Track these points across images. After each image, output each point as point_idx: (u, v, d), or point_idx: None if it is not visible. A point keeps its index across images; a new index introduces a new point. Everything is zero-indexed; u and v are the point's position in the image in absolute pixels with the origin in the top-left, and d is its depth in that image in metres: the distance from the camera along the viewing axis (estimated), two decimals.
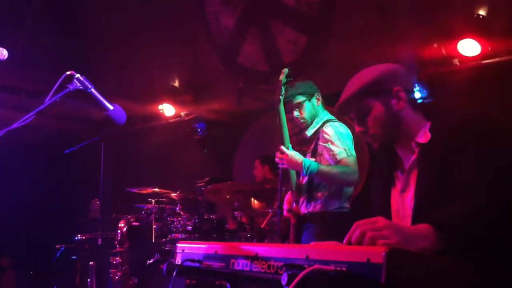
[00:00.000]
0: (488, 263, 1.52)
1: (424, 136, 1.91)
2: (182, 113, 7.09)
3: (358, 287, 1.31)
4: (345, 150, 3.39)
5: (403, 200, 1.94)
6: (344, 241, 1.54)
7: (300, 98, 3.54)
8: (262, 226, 4.89)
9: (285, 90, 3.44)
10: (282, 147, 3.37)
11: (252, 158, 5.95)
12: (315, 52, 6.09)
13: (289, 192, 3.56)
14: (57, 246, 5.93)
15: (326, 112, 3.63)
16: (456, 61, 4.99)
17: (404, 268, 1.27)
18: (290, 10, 6.14)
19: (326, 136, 3.45)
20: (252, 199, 5.42)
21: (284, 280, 1.36)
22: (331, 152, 3.41)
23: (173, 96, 7.07)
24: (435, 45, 4.99)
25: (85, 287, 3.01)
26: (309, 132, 3.59)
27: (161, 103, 7.05)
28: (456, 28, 4.79)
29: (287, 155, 3.33)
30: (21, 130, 2.13)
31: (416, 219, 1.78)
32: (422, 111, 2.01)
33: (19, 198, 7.59)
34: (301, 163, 3.30)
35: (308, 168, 3.27)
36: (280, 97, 3.41)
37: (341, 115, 3.04)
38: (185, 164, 6.94)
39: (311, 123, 3.59)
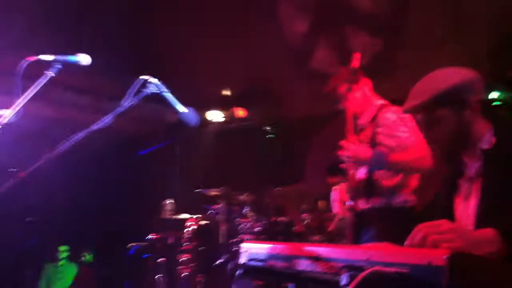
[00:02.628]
0: None
1: (488, 141, 1.86)
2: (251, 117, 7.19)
3: None
4: (413, 135, 3.07)
5: (466, 208, 1.89)
6: (406, 242, 1.54)
7: (348, 87, 3.31)
8: (329, 229, 4.88)
9: (355, 79, 3.24)
10: (345, 142, 3.12)
11: (323, 161, 5.92)
12: (387, 56, 6.02)
13: (340, 190, 3.39)
14: (130, 245, 6.15)
15: (377, 98, 3.40)
16: None
17: (467, 272, 1.25)
18: (363, 13, 6.10)
19: (388, 122, 3.18)
20: (320, 202, 5.41)
21: (344, 280, 1.38)
22: (398, 139, 3.11)
23: (245, 101, 7.20)
24: None
25: (156, 285, 3.11)
26: (366, 120, 3.35)
27: (233, 107, 7.20)
28: None
29: (351, 150, 3.08)
30: (100, 132, 2.27)
31: (478, 226, 1.74)
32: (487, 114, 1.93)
33: (96, 199, 7.96)
34: (368, 157, 3.02)
35: (377, 161, 3.01)
36: (351, 82, 3.23)
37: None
38: (255, 167, 7.03)
39: (364, 110, 3.35)
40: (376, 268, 1.38)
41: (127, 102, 2.27)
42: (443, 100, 1.86)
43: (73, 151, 2.25)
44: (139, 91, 2.32)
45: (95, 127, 2.24)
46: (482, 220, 1.76)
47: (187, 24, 6.75)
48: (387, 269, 1.37)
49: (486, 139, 1.87)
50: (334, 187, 4.17)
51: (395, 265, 1.37)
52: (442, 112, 1.87)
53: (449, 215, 1.94)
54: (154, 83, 2.33)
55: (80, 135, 2.21)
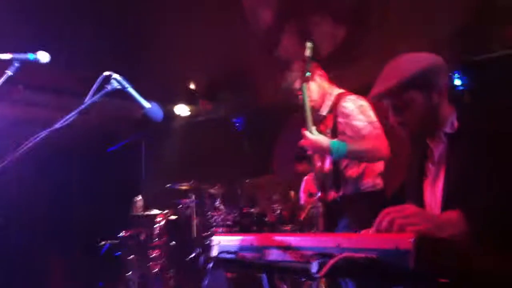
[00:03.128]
0: None
1: (451, 126, 1.90)
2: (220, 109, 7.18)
3: (387, 274, 1.33)
4: (370, 123, 3.12)
5: (434, 191, 1.93)
6: (373, 228, 1.55)
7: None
8: (301, 218, 4.91)
9: (309, 67, 3.17)
10: (305, 132, 3.10)
11: (291, 152, 5.95)
12: (351, 43, 6.06)
13: (307, 178, 3.39)
14: (102, 243, 6.10)
15: (333, 86, 3.40)
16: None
17: (433, 255, 1.28)
18: (327, 1, 6.12)
19: (347, 111, 3.19)
20: (291, 192, 5.44)
21: (314, 268, 1.39)
22: (356, 128, 3.14)
23: (212, 93, 7.17)
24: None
25: (128, 282, 3.09)
26: (324, 111, 3.35)
27: (200, 100, 7.17)
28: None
29: (311, 140, 3.07)
30: (65, 129, 2.23)
31: (445, 209, 1.77)
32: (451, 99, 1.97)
33: (64, 197, 7.84)
34: (328, 147, 3.01)
35: (337, 150, 3.00)
36: (306, 73, 3.15)
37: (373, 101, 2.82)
38: (225, 159, 7.02)
39: (323, 101, 3.35)
40: (345, 254, 1.40)
41: (90, 98, 2.23)
42: (411, 84, 1.89)
43: (38, 150, 2.21)
44: (101, 87, 2.28)
45: (58, 125, 2.19)
46: (447, 203, 1.79)
47: (153, 12, 6.67)
48: (356, 255, 1.39)
49: (450, 123, 1.91)
50: (305, 178, 4.18)
51: (363, 251, 1.39)
52: (411, 95, 1.90)
53: (419, 199, 1.97)
54: (116, 79, 2.29)
55: (44, 133, 2.17)
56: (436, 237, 1.40)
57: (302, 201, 3.43)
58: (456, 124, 1.89)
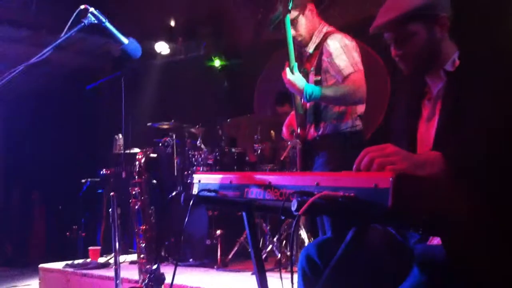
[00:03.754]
0: (488, 196, 1.53)
1: (452, 64, 1.88)
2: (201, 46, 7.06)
3: (366, 212, 1.34)
4: (352, 65, 3.08)
5: (428, 128, 1.92)
6: (354, 167, 1.56)
7: (292, 14, 3.17)
8: (282, 158, 4.95)
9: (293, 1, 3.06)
10: (286, 69, 3.05)
11: (272, 91, 5.93)
12: None
13: (291, 114, 3.38)
14: (83, 181, 6.11)
15: (323, 24, 3.32)
16: None
17: (411, 193, 1.29)
18: None
19: (330, 49, 3.13)
20: (272, 131, 5.45)
21: (294, 206, 1.39)
22: (337, 67, 3.09)
23: (192, 31, 7.04)
24: None
25: (110, 219, 3.12)
26: (310, 48, 3.28)
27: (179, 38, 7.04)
28: None
29: (288, 79, 3.02)
30: (44, 66, 2.17)
31: (436, 147, 1.77)
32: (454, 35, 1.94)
33: (43, 135, 7.78)
34: (303, 89, 2.99)
35: (310, 95, 2.98)
36: (289, 7, 3.04)
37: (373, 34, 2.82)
38: (206, 98, 6.98)
39: (310, 38, 3.28)
40: (324, 192, 1.41)
41: (66, 33, 2.15)
42: (413, 15, 1.86)
43: (14, 87, 2.15)
44: (77, 21, 2.20)
45: (34, 59, 2.13)
46: (439, 140, 1.79)
47: None
48: (335, 194, 1.40)
49: (451, 61, 1.89)
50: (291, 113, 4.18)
51: (343, 189, 1.40)
52: (413, 27, 1.88)
53: (412, 136, 1.97)
54: (93, 13, 2.21)
55: (19, 68, 2.10)
56: (414, 176, 1.40)
57: (284, 135, 3.42)
58: (457, 62, 1.87)
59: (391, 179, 1.28)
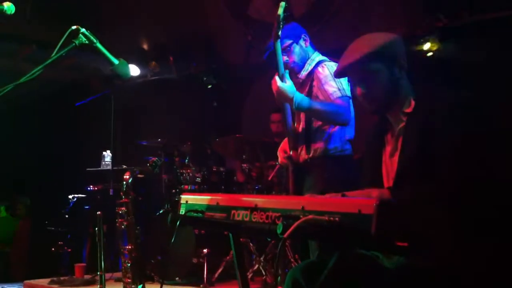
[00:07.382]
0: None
1: (409, 105, 2.03)
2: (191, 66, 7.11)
3: (349, 236, 1.37)
4: (340, 90, 3.18)
5: (392, 163, 2.06)
6: None
7: (286, 42, 3.30)
8: (270, 178, 4.96)
9: (283, 25, 3.15)
10: (276, 78, 3.14)
11: (260, 111, 5.96)
12: (326, 4, 6.01)
13: (285, 139, 3.45)
14: (70, 197, 6.07)
15: (317, 53, 3.43)
16: None
17: (393, 219, 1.32)
18: None
19: (321, 77, 3.25)
20: (260, 151, 5.47)
21: (279, 229, 1.42)
22: (326, 93, 3.21)
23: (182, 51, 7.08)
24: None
25: (95, 237, 3.12)
26: (303, 75, 3.39)
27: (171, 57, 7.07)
28: None
29: (278, 87, 3.11)
30: (34, 82, 2.18)
31: (398, 182, 1.93)
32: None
33: (32, 150, 7.75)
34: (292, 97, 3.08)
35: (299, 103, 3.08)
36: (278, 32, 3.13)
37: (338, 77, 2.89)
38: (195, 117, 7.00)
39: (303, 65, 3.39)
40: (310, 217, 1.43)
41: (57, 53, 2.17)
42: (375, 55, 2.01)
43: (5, 103, 2.16)
44: (69, 41, 2.22)
45: (23, 79, 2.14)
46: (399, 177, 1.95)
47: None
48: (320, 218, 1.43)
49: (408, 102, 2.05)
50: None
51: (328, 214, 1.43)
52: (374, 66, 2.02)
53: (377, 168, 2.12)
54: (84, 34, 2.24)
55: (9, 87, 2.12)
56: (395, 204, 1.44)
57: (280, 161, 3.47)
58: (413, 103, 2.02)
59: (374, 205, 1.31)
